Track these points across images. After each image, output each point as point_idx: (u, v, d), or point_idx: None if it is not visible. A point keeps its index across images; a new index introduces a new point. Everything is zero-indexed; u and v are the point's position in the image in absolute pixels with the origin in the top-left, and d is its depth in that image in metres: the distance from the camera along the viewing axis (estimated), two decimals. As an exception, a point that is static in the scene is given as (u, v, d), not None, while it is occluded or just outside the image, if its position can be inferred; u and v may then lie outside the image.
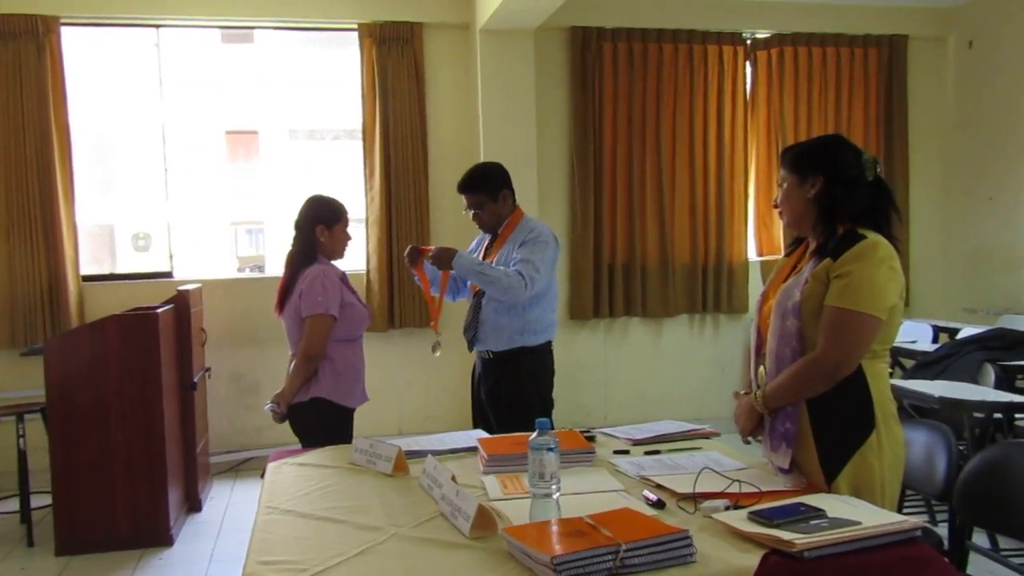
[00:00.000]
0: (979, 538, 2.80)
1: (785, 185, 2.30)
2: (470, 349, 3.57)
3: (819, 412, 2.16)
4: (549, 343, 3.50)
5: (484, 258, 3.52)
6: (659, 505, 2.06)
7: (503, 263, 3.38)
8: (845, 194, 2.18)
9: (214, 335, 5.37)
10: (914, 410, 4.11)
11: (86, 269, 5.53)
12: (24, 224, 5.22)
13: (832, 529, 1.77)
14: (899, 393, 4.01)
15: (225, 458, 5.58)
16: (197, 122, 11.79)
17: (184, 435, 4.72)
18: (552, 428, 1.96)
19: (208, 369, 5.26)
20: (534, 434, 1.92)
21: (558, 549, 1.65)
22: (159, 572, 3.99)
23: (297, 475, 2.48)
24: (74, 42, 5.58)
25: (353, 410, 3.33)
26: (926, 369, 4.67)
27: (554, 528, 1.80)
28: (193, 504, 4.81)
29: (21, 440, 4.39)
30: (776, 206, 2.36)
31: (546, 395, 3.46)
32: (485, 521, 1.90)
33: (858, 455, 2.12)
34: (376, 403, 5.71)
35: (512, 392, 3.38)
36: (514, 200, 3.51)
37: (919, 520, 1.83)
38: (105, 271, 5.80)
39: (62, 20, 5.31)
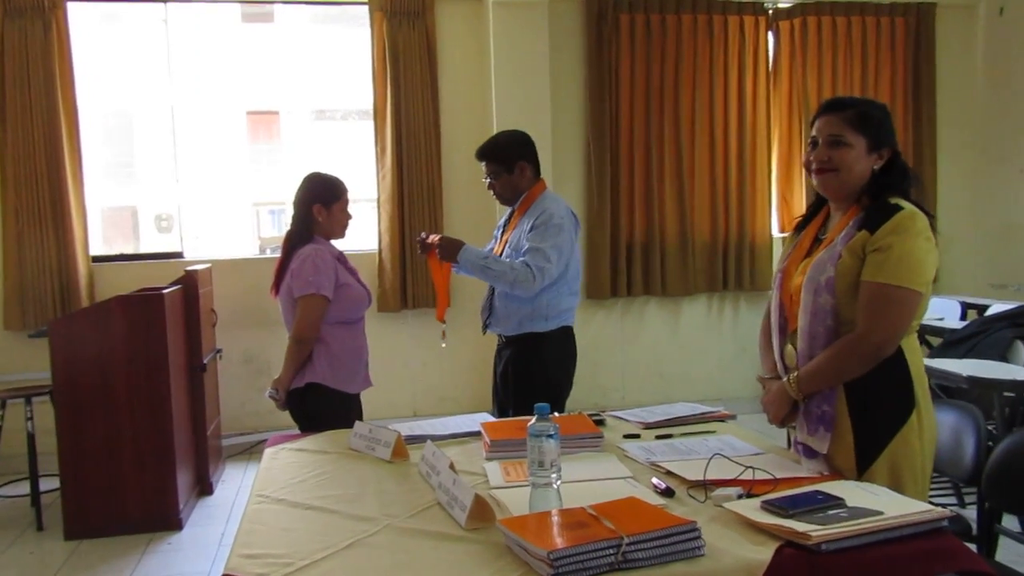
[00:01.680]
0: (1009, 522, 2.68)
1: (852, 147, 2.06)
2: (484, 331, 3.45)
3: (858, 393, 2.04)
4: (565, 328, 3.30)
5: (503, 234, 3.39)
6: (668, 493, 1.95)
7: (516, 242, 3.24)
8: (906, 168, 2.08)
9: (225, 316, 5.32)
10: (941, 390, 3.97)
11: (108, 250, 5.48)
12: (32, 205, 5.16)
13: (851, 520, 1.65)
14: (926, 372, 3.88)
15: (237, 440, 5.53)
16: (216, 102, 11.75)
17: (194, 417, 4.67)
18: (553, 412, 1.85)
19: (219, 350, 5.20)
20: (532, 419, 1.82)
21: (556, 543, 1.55)
22: (167, 556, 3.95)
23: (293, 461, 2.39)
24: (82, 19, 5.51)
25: (355, 396, 3.21)
26: (954, 347, 4.51)
27: (554, 519, 1.70)
28: (204, 487, 4.76)
29: (29, 423, 4.35)
30: (824, 163, 2.09)
31: (558, 382, 3.28)
32: (482, 512, 1.80)
33: (899, 437, 2.01)
34: (390, 385, 5.72)
35: (522, 377, 3.24)
36: (536, 173, 3.33)
37: (944, 510, 1.71)
38: (129, 251, 5.74)
39: (68, -4, 5.24)
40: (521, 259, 3.14)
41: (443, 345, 3.56)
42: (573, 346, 3.35)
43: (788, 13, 6.22)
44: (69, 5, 5.24)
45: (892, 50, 6.33)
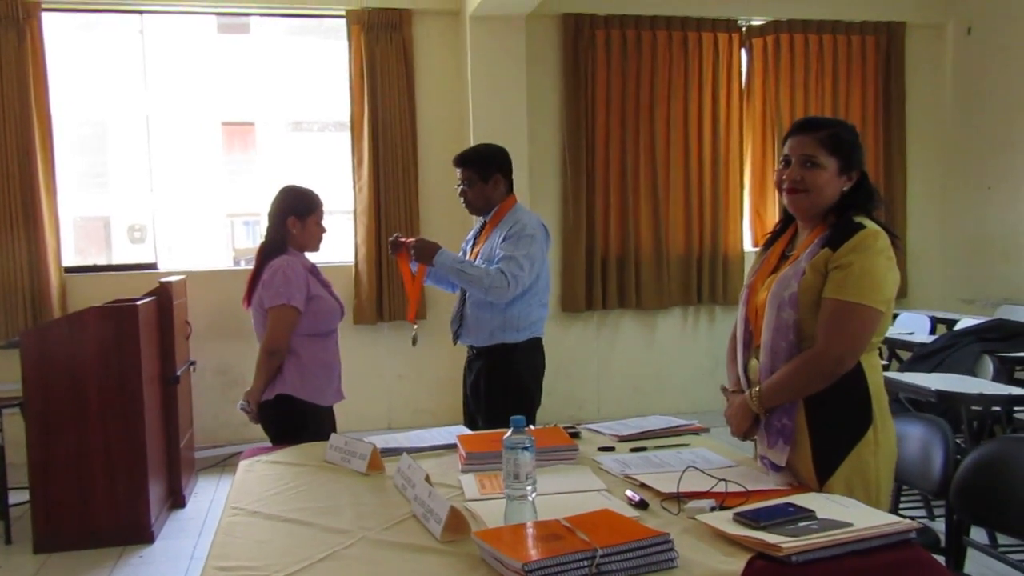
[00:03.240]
0: (977, 534, 2.72)
1: (824, 168, 2.09)
2: (454, 342, 3.47)
3: (816, 407, 2.07)
4: (536, 340, 3.35)
5: (475, 244, 3.41)
6: (642, 506, 1.97)
7: (488, 253, 3.27)
8: (871, 189, 2.13)
9: (199, 328, 5.28)
10: (910, 403, 4.03)
11: (81, 260, 5.44)
12: (4, 215, 5.11)
13: (821, 532, 1.68)
14: (895, 386, 3.93)
15: (211, 453, 5.49)
16: (191, 113, 11.69)
17: (167, 430, 4.63)
18: (528, 425, 1.87)
19: (193, 362, 5.16)
20: (508, 432, 1.83)
21: (530, 555, 1.56)
22: (139, 569, 3.90)
23: (268, 474, 2.38)
24: (57, 29, 5.48)
25: (326, 408, 3.20)
26: (923, 361, 4.58)
27: (528, 531, 1.71)
28: (177, 500, 4.71)
29: (0, 435, 4.29)
30: (796, 183, 2.11)
31: (528, 393, 3.31)
32: (457, 524, 1.81)
33: (854, 452, 2.04)
34: (366, 397, 5.71)
35: (493, 388, 3.26)
36: (509, 188, 3.38)
37: (912, 522, 1.74)
38: (101, 263, 5.70)
39: (43, 5, 5.21)
40: (495, 266, 3.16)
41: (413, 347, 3.59)
42: (543, 357, 3.40)
43: (761, 31, 6.31)
44: (44, 15, 5.21)
45: (863, 68, 6.44)
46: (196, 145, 12.31)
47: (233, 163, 13.44)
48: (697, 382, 6.28)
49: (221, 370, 5.56)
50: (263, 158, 12.92)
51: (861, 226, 2.05)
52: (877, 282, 2.01)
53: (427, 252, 3.19)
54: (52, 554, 4.03)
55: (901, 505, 3.34)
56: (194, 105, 11.46)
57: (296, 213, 3.18)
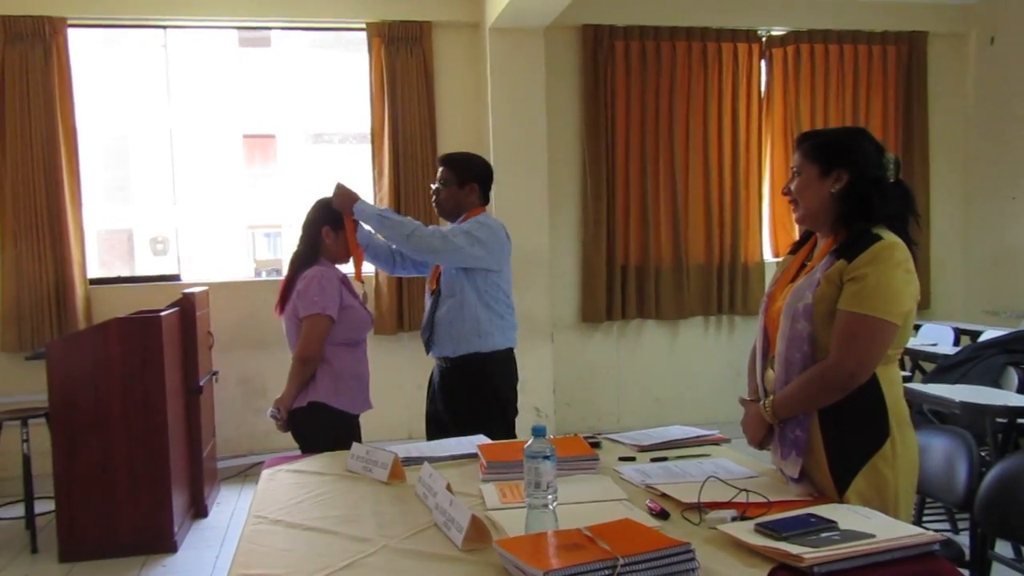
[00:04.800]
0: (1002, 548, 2.69)
1: (803, 175, 2.15)
2: (427, 352, 3.45)
3: (830, 420, 2.05)
4: (509, 351, 3.35)
5: None
6: (663, 515, 1.97)
7: None
8: (874, 194, 2.06)
9: (222, 338, 5.32)
10: (934, 415, 3.99)
11: (104, 272, 5.50)
12: (31, 227, 5.18)
13: (844, 543, 1.67)
14: (918, 397, 3.90)
15: (233, 463, 5.53)
16: (212, 125, 11.81)
17: (190, 440, 4.67)
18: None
19: (215, 373, 5.20)
20: (530, 441, 1.84)
21: (552, 563, 1.56)
22: (162, 579, 3.94)
23: (291, 482, 2.40)
24: (82, 44, 5.56)
25: (355, 416, 3.23)
26: (947, 373, 4.54)
27: (550, 540, 1.71)
28: (199, 510, 4.75)
29: (25, 445, 4.35)
30: (787, 194, 2.20)
31: (507, 403, 3.32)
32: (479, 533, 1.81)
33: (869, 465, 2.01)
34: (386, 407, 5.71)
35: (471, 401, 3.25)
36: (483, 201, 3.41)
37: (936, 534, 1.73)
38: (124, 275, 5.76)
39: (69, 21, 5.28)
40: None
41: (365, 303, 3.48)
42: (516, 368, 3.40)
43: (781, 41, 6.31)
44: (70, 31, 5.29)
45: (884, 78, 6.42)
46: (218, 158, 12.43)
47: (254, 175, 13.57)
48: (718, 392, 6.25)
49: (243, 380, 5.60)
50: (284, 170, 13.03)
51: (878, 237, 2.03)
52: (893, 295, 1.99)
53: (347, 201, 3.17)
54: (77, 563, 4.07)
55: (924, 517, 3.31)
56: (216, 118, 11.58)
57: (331, 224, 3.22)
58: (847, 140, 2.15)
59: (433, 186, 3.40)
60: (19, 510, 4.52)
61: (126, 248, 12.26)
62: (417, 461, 2.46)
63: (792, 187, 2.18)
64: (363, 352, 3.30)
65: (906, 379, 4.60)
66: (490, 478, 2.31)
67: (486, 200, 3.44)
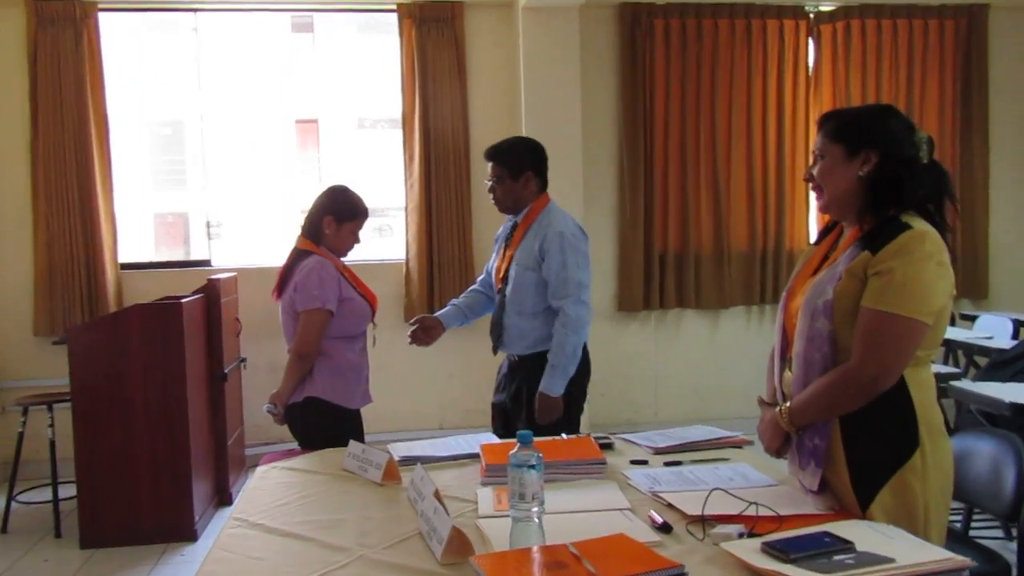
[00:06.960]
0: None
1: (826, 158, 1.95)
2: (494, 352, 3.34)
3: (853, 428, 1.85)
4: (582, 346, 3.19)
5: (506, 250, 3.25)
6: (665, 529, 1.81)
7: (527, 261, 3.10)
8: (905, 176, 1.86)
9: (251, 325, 5.27)
10: (984, 417, 3.74)
11: (158, 256, 5.50)
12: (62, 212, 5.18)
13: (858, 567, 1.50)
14: (965, 397, 3.67)
15: (262, 450, 5.44)
16: (262, 111, 11.89)
17: (214, 427, 4.63)
18: (534, 437, 1.72)
19: (244, 359, 5.16)
20: (515, 448, 1.70)
21: (528, 586, 1.43)
22: (180, 567, 3.89)
23: (281, 482, 2.30)
24: (114, 28, 5.54)
25: (354, 411, 3.13)
26: (1001, 369, 4.27)
27: (533, 558, 1.58)
28: (224, 498, 4.71)
29: (50, 429, 4.35)
30: (809, 180, 2.00)
31: (573, 401, 3.16)
32: (460, 545, 1.68)
33: (896, 477, 1.81)
34: (417, 396, 5.64)
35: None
36: (542, 187, 3.20)
37: (965, 559, 1.54)
38: (179, 258, 5.75)
39: (100, 5, 5.26)
40: (558, 303, 3.04)
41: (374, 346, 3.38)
42: (588, 364, 3.23)
43: (830, 17, 6.01)
44: (100, 14, 5.26)
45: (941, 54, 6.07)
46: (267, 143, 12.52)
47: (303, 160, 13.65)
48: (760, 384, 5.91)
49: (274, 367, 5.51)
50: (326, 155, 13.06)
51: (907, 226, 1.82)
52: (922, 291, 1.79)
53: (553, 406, 3.05)
54: (97, 549, 4.06)
55: (973, 524, 3.09)
56: (265, 103, 11.65)
57: (335, 215, 3.12)
58: (875, 118, 1.94)
59: (487, 183, 3.22)
60: (47, 494, 4.53)
61: (182, 232, 12.44)
62: (420, 460, 2.34)
63: (815, 172, 1.98)
64: (362, 345, 3.20)
65: (957, 376, 4.33)
66: (489, 481, 2.18)
67: (545, 184, 3.22)
